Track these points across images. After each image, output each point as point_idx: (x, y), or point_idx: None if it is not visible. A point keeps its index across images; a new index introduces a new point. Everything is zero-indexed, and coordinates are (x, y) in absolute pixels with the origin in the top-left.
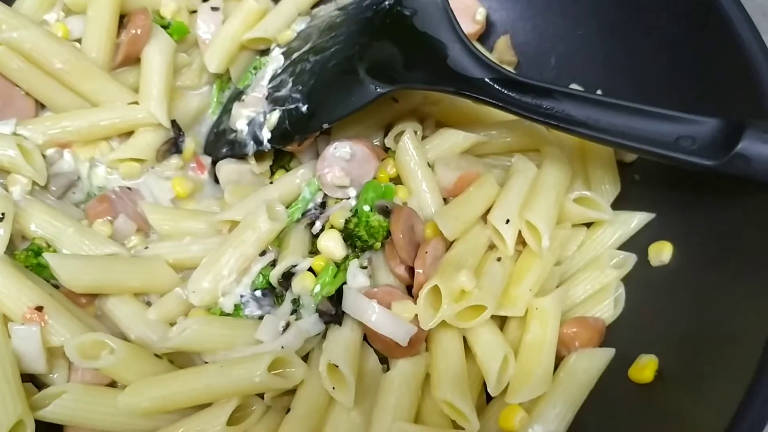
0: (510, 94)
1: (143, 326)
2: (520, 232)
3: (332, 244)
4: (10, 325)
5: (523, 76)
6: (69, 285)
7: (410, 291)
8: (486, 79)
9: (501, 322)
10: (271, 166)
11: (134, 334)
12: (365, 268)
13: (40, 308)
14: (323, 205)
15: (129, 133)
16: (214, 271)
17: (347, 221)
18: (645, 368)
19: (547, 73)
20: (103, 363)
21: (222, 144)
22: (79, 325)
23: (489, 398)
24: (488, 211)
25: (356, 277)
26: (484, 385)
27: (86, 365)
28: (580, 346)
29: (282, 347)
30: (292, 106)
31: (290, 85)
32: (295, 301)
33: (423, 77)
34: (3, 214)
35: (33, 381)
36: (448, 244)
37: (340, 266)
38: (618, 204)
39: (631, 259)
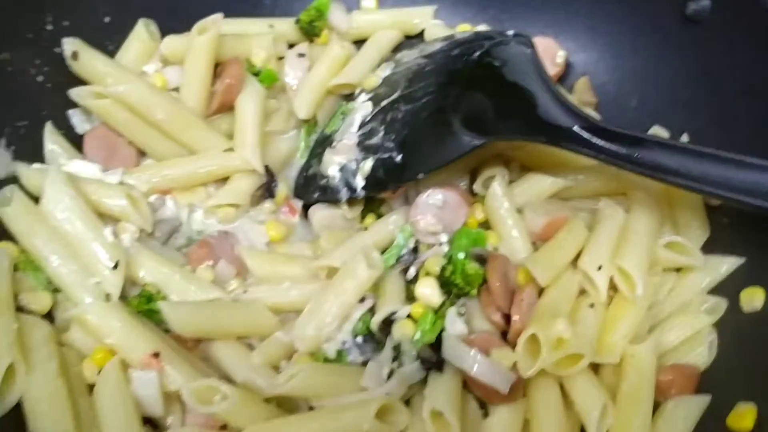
0: (600, 143)
1: (248, 370)
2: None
3: (430, 291)
4: (129, 370)
5: (608, 121)
6: (180, 331)
7: (504, 336)
8: (576, 128)
9: (593, 368)
10: (361, 211)
11: (239, 377)
12: (462, 315)
13: (156, 354)
14: (415, 250)
15: (224, 179)
16: (318, 318)
17: (443, 269)
18: (744, 416)
19: (628, 114)
20: (218, 408)
21: (313, 189)
22: (192, 371)
23: None
24: (578, 256)
25: (455, 325)
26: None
27: (203, 410)
28: (676, 393)
29: (387, 394)
30: (386, 156)
31: (382, 133)
32: (396, 348)
33: (515, 128)
34: (117, 261)
35: (150, 423)
36: (541, 290)
37: (438, 313)
38: (707, 248)
39: (722, 304)
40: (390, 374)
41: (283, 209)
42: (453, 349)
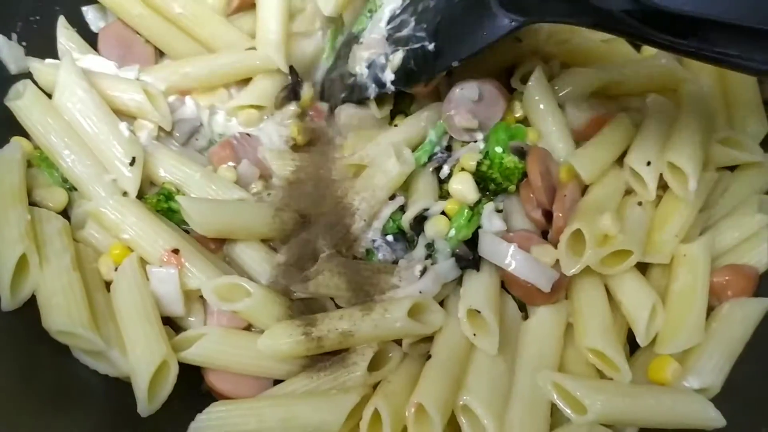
0: (655, 26)
1: (273, 271)
2: (660, 175)
3: (465, 187)
4: (148, 267)
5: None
6: (200, 229)
7: (545, 236)
8: (627, 10)
9: (641, 269)
10: (391, 111)
11: (264, 279)
12: (500, 211)
13: (176, 251)
14: (449, 149)
15: (247, 81)
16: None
17: (479, 163)
18: None
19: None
20: (242, 306)
21: (340, 89)
22: (214, 269)
23: (632, 350)
24: (624, 154)
25: (492, 221)
26: (627, 336)
27: (225, 308)
28: (733, 295)
29: (420, 292)
30: (417, 45)
31: (413, 24)
32: (429, 246)
33: (560, 9)
34: (134, 158)
35: (170, 324)
36: (584, 189)
37: (474, 210)
38: (765, 146)
39: None
40: (423, 272)
41: (309, 112)
42: (490, 245)
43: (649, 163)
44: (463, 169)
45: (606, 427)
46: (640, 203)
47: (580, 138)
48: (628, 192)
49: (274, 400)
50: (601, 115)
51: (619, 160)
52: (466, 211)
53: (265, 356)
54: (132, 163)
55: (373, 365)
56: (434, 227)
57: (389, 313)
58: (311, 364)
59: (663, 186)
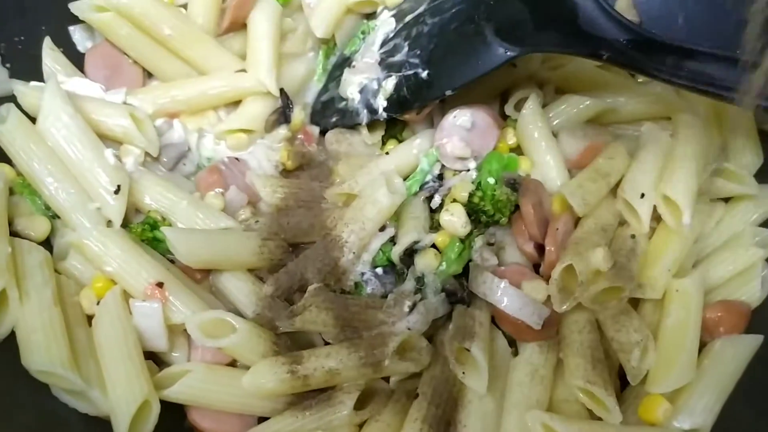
0: (650, 56)
1: (259, 303)
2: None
3: (456, 219)
4: (131, 301)
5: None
6: (186, 260)
7: (536, 269)
8: (622, 40)
9: (633, 305)
10: (382, 137)
11: (250, 311)
12: (492, 245)
13: (160, 284)
14: (440, 177)
15: (236, 103)
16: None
17: (471, 195)
18: None
19: (674, 34)
20: (227, 342)
21: (331, 113)
22: (199, 302)
23: (623, 386)
24: (618, 184)
25: (483, 255)
26: (618, 372)
27: (210, 344)
28: (725, 332)
29: (408, 329)
30: (410, 72)
31: (406, 49)
32: (419, 280)
33: (555, 39)
34: (119, 186)
35: (153, 359)
36: (576, 220)
37: (465, 243)
38: (760, 177)
39: None
40: (412, 308)
41: (298, 136)
42: (481, 280)
43: (643, 195)
44: (454, 200)
45: None
46: (633, 236)
47: (573, 167)
48: (621, 223)
49: None
50: (595, 143)
51: (613, 190)
52: (457, 244)
53: (249, 394)
54: (117, 191)
55: (360, 403)
56: (424, 261)
57: (377, 350)
58: (297, 401)
59: (656, 218)
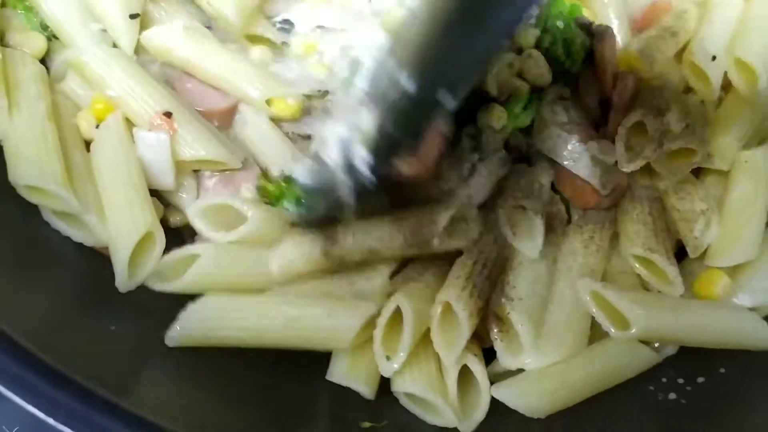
0: None
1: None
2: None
3: (537, 65)
4: (134, 130)
5: None
6: None
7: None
8: None
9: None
10: None
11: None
12: (565, 99)
13: (169, 114)
14: None
15: None
16: None
17: (539, 39)
18: None
19: None
20: (236, 235)
21: None
22: (211, 139)
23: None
24: (685, 47)
25: (554, 110)
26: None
27: (217, 238)
28: None
29: (470, 196)
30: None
31: None
32: (475, 137)
33: None
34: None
35: (157, 197)
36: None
37: (534, 96)
38: None
39: None
40: (472, 170)
41: None
42: (547, 135)
43: (714, 58)
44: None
45: (645, 344)
46: (702, 102)
47: (637, 27)
48: (686, 91)
49: (283, 298)
50: (662, 1)
51: (680, 53)
52: (526, 96)
53: (275, 276)
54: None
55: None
56: (490, 115)
57: (425, 228)
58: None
59: (723, 86)
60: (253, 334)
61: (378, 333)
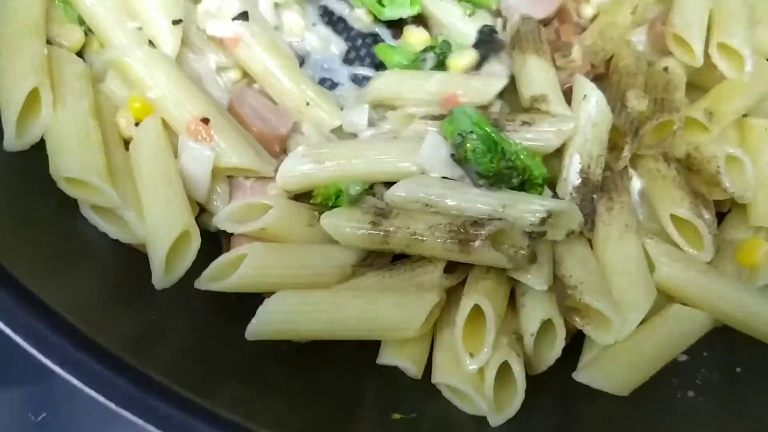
0: None
1: None
2: None
3: None
4: (182, 138)
5: None
6: None
7: None
8: None
9: None
10: None
11: None
12: None
13: (206, 120)
14: None
15: None
16: None
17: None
18: None
19: None
20: (260, 224)
21: None
22: (247, 148)
23: None
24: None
25: None
26: None
27: (242, 230)
28: None
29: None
30: None
31: None
32: None
33: None
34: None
35: None
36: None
37: None
38: None
39: None
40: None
41: None
42: None
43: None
44: None
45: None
46: (665, 68)
47: None
48: (650, 63)
49: (353, 291)
50: None
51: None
52: None
53: (318, 269)
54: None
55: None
56: None
57: (472, 228)
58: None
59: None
60: (328, 327)
61: (458, 332)
